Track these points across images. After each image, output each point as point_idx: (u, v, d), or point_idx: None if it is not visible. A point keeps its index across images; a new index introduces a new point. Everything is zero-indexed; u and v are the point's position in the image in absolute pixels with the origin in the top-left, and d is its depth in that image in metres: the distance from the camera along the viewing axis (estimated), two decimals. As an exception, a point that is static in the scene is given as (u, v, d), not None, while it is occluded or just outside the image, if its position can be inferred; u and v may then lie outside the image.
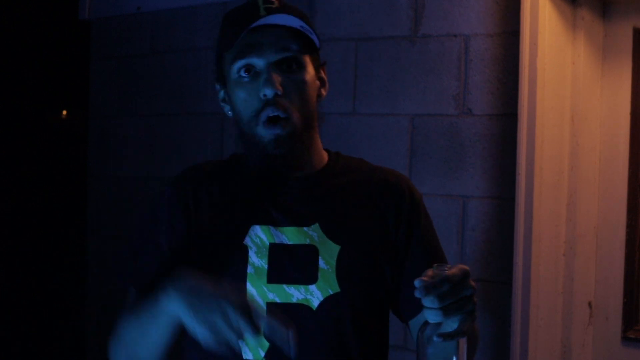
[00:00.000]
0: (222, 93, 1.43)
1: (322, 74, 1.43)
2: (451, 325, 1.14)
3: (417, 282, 1.11)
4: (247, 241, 1.34)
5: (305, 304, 1.33)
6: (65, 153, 7.84)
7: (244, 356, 1.32)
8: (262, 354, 1.32)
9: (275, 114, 1.32)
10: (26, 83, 7.73)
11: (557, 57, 2.21)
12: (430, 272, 1.13)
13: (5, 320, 5.84)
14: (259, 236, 1.35)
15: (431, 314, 1.12)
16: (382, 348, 1.44)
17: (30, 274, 6.89)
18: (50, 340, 5.53)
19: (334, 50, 2.58)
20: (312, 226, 1.36)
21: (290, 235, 1.35)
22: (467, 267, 1.15)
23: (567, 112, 2.26)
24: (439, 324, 1.14)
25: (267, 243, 1.34)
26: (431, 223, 1.48)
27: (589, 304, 2.31)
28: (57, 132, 8.47)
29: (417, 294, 1.11)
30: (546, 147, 2.18)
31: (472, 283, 1.14)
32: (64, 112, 8.79)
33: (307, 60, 1.37)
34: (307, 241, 1.35)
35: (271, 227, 1.35)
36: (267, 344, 1.31)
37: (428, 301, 1.11)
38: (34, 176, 7.82)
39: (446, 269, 1.14)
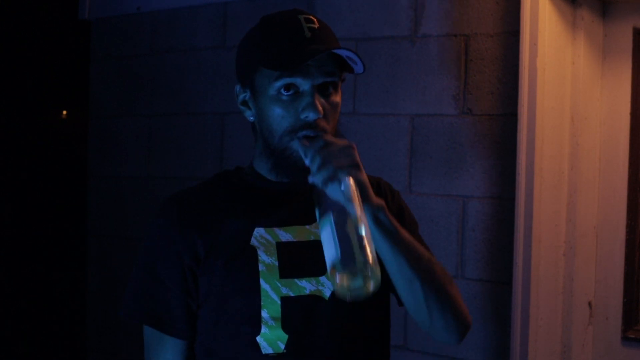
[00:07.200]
0: (243, 96, 1.44)
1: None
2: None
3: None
4: (254, 242, 1.40)
5: (318, 294, 1.39)
6: (65, 153, 7.85)
7: (263, 351, 1.36)
8: (282, 346, 1.36)
9: (314, 134, 1.36)
10: (26, 83, 7.73)
11: (557, 57, 2.21)
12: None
13: (6, 320, 5.84)
14: (264, 237, 1.41)
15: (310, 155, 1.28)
16: (385, 336, 1.51)
17: (30, 274, 6.89)
18: (50, 340, 5.53)
19: (334, 50, 2.58)
20: (314, 224, 1.42)
21: (294, 234, 1.42)
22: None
23: (567, 112, 2.26)
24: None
25: (274, 242, 1.40)
26: (412, 213, 1.56)
27: (589, 304, 2.31)
28: (57, 132, 8.48)
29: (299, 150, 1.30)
30: (546, 147, 2.18)
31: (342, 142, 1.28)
32: (64, 112, 8.79)
33: (339, 83, 1.42)
34: (312, 237, 1.41)
35: (275, 228, 1.41)
36: (285, 337, 1.36)
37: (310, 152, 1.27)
38: (34, 176, 7.83)
39: None
